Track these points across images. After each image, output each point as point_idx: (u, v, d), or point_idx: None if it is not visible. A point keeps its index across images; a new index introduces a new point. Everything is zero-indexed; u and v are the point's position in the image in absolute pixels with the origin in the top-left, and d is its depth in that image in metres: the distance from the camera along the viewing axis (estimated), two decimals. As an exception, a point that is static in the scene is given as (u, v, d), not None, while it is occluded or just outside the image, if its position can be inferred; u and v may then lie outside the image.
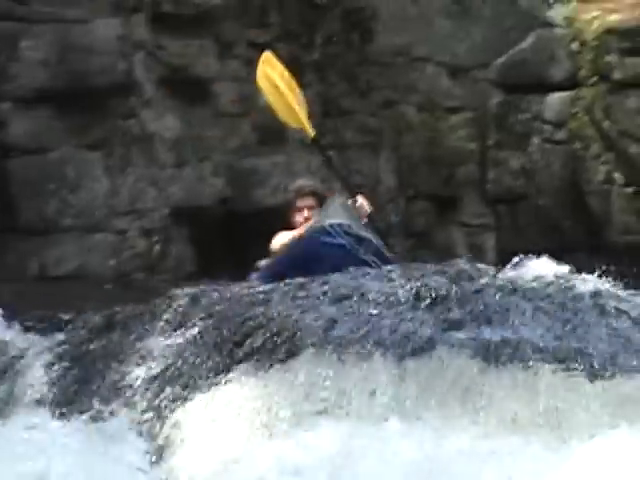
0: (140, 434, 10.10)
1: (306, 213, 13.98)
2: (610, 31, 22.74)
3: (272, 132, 20.50)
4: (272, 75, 13.75)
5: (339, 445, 9.43)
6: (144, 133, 19.14)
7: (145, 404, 10.31)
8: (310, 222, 13.98)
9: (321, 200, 14.22)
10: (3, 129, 17.35)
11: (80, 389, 10.54)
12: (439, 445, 9.24)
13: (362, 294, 11.53)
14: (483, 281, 12.00)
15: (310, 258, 13.55)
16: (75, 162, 18.42)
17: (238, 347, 10.97)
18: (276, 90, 13.77)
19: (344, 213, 14.20)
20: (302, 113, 13.69)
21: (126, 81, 18.83)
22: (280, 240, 14.04)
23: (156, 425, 10.09)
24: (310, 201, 14.03)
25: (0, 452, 9.97)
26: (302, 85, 19.65)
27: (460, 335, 10.59)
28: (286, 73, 13.98)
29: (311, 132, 14.01)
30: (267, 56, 14.06)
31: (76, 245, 17.55)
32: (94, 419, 10.08)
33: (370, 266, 13.05)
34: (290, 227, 14.42)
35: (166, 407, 10.30)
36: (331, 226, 13.40)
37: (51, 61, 17.96)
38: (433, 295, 11.33)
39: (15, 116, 17.57)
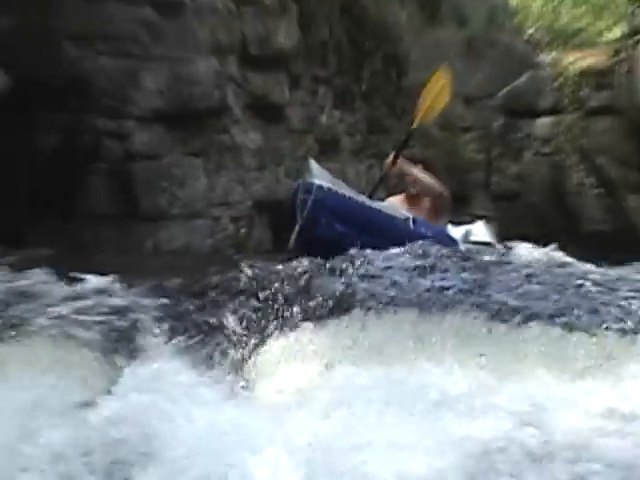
0: (232, 373, 8.55)
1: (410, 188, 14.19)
2: (584, 72, 24.77)
3: (329, 145, 22.32)
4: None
5: (381, 376, 8.27)
6: (234, 144, 19.86)
7: (237, 351, 8.86)
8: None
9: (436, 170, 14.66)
10: (128, 140, 17.70)
11: (187, 342, 8.81)
12: (454, 380, 8.61)
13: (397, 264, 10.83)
14: (488, 257, 11.72)
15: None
16: (182, 166, 18.74)
17: (303, 303, 10.02)
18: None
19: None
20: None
21: (220, 106, 19.34)
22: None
23: (244, 366, 8.70)
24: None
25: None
26: (353, 109, 24.11)
27: (471, 298, 9.61)
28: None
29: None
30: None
31: (182, 228, 18.13)
32: (201, 362, 8.52)
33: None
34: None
35: (252, 352, 8.90)
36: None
37: (164, 90, 18.20)
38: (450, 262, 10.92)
39: (137, 131, 17.79)
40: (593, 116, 23.73)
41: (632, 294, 9.68)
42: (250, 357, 8.92)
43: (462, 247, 13.40)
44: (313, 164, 11.93)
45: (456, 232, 15.62)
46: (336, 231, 11.77)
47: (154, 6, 17.96)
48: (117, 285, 10.18)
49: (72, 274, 10.37)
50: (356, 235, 11.20)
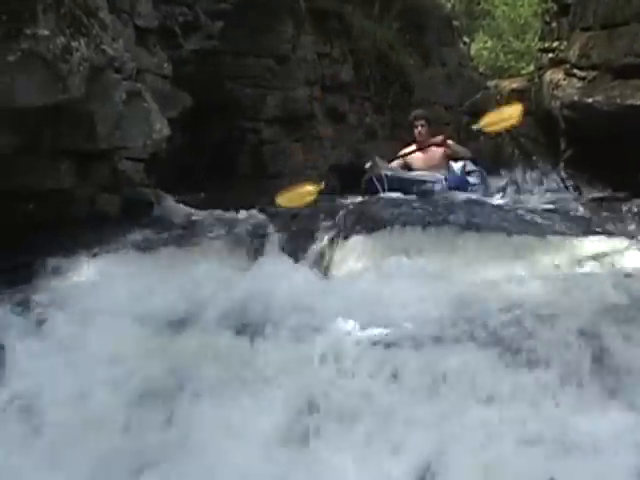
0: (316, 264, 9.95)
1: (419, 128, 13.86)
2: (512, 90, 21.78)
3: (371, 135, 21.16)
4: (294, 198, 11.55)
5: (409, 263, 9.69)
6: (318, 135, 19.49)
7: (319, 251, 10.25)
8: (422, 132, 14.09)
9: (429, 122, 14.12)
10: (260, 134, 17.72)
11: (291, 245, 10.36)
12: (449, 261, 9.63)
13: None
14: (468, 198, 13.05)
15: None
16: (289, 147, 18.57)
17: (361, 223, 10.90)
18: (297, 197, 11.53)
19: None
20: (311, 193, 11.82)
21: (311, 114, 19.09)
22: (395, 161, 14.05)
23: (323, 261, 10.05)
24: (422, 121, 13.89)
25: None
26: (384, 114, 22.08)
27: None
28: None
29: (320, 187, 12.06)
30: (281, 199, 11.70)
31: (290, 182, 14.11)
32: (299, 257, 10.08)
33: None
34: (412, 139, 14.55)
35: (328, 251, 10.25)
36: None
37: (278, 106, 18.05)
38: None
39: (265, 128, 17.78)
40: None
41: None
42: (327, 254, 10.15)
43: (468, 178, 13.91)
44: (378, 159, 12.45)
45: (458, 165, 15.19)
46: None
47: (273, 58, 17.67)
48: (256, 212, 11.99)
49: (231, 209, 12.10)
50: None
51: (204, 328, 7.68)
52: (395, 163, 13.44)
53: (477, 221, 10.90)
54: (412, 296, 8.32)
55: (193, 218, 11.87)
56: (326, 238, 10.68)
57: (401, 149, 13.66)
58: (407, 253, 9.84)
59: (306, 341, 7.38)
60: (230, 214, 11.97)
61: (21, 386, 6.66)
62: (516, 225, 10.95)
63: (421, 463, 5.99)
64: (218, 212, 12.03)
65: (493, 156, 20.55)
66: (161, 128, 11.64)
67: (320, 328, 7.59)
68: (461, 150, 13.61)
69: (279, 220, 11.50)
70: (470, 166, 15.17)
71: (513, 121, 12.09)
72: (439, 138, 13.72)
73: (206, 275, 8.78)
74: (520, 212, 11.81)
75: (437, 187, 12.47)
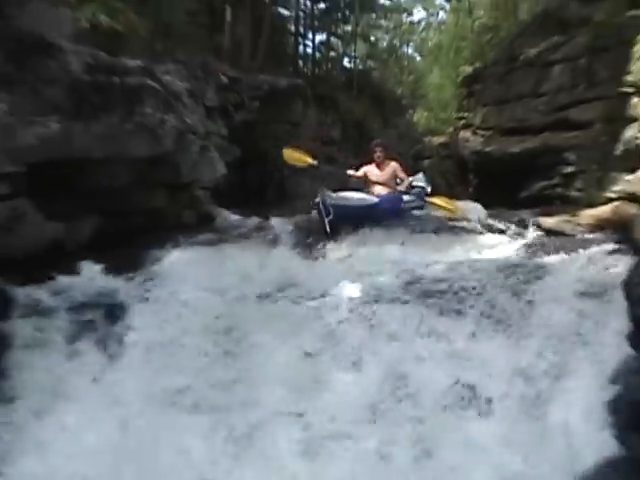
0: (316, 253, 9.80)
1: (377, 153, 11.07)
2: (440, 143, 21.36)
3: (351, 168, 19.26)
4: (293, 155, 10.93)
5: (376, 251, 9.63)
6: (320, 172, 17.16)
7: (318, 249, 9.97)
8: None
9: (386, 149, 11.26)
10: (282, 172, 15.84)
11: (300, 241, 10.01)
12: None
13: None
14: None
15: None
16: (301, 180, 16.15)
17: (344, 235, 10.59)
18: (293, 157, 10.91)
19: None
20: (310, 161, 10.87)
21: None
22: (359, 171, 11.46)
23: (319, 250, 9.83)
24: (380, 147, 11.10)
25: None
26: (359, 158, 20.41)
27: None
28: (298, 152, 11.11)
29: (314, 162, 10.97)
30: (286, 152, 11.08)
31: (302, 203, 14.65)
32: (307, 251, 9.62)
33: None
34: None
35: (324, 249, 10.02)
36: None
37: None
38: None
39: (285, 169, 15.20)
40: (444, 159, 20.49)
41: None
42: (323, 249, 9.75)
43: (407, 196, 11.25)
44: (325, 191, 9.93)
45: (405, 182, 11.95)
46: (341, 220, 9.80)
47: (290, 124, 16.85)
48: (278, 220, 11.45)
49: (264, 218, 11.60)
50: (352, 219, 9.86)
51: (250, 297, 7.73)
52: (359, 172, 11.20)
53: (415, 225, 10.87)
54: (377, 270, 8.55)
55: (240, 224, 11.70)
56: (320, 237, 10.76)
57: (363, 166, 11.19)
58: (374, 245, 9.80)
59: (314, 300, 7.68)
60: (263, 222, 11.70)
61: (139, 333, 6.73)
62: (441, 228, 11.03)
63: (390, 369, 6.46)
64: (256, 220, 11.81)
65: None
66: (220, 169, 11.70)
67: (323, 292, 7.86)
68: (402, 175, 11.08)
69: (293, 225, 11.17)
70: (418, 181, 12.39)
71: (451, 211, 10.54)
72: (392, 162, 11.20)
73: (250, 261, 8.67)
74: (443, 220, 11.56)
75: (371, 208, 10.12)
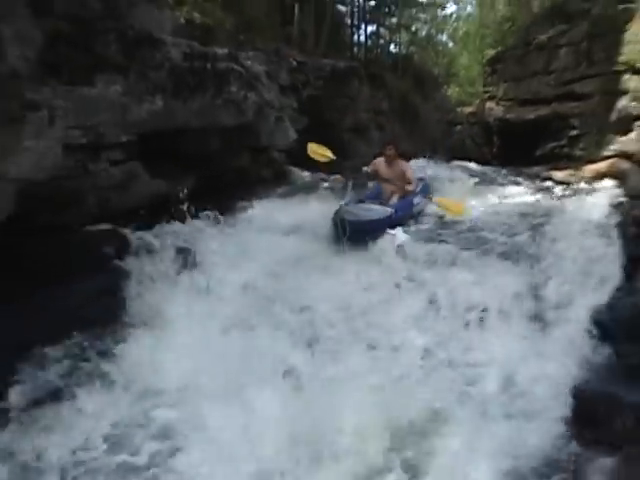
0: None
1: (388, 152, 8.89)
2: (469, 113, 21.16)
3: (398, 136, 17.82)
4: (317, 150, 8.64)
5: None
6: (372, 137, 17.21)
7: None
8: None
9: (396, 148, 9.07)
10: (343, 136, 15.09)
11: None
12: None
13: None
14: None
15: None
16: (358, 143, 15.95)
17: None
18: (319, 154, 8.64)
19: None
20: (330, 157, 8.64)
21: (368, 126, 17.38)
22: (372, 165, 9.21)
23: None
24: (390, 146, 8.97)
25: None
26: (405, 126, 19.48)
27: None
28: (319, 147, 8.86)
29: (333, 157, 8.80)
30: (310, 145, 8.95)
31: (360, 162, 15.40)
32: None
33: None
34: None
35: None
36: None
37: (352, 123, 16.29)
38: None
39: (345, 133, 15.61)
40: (473, 125, 19.75)
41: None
42: None
43: (417, 198, 9.09)
44: (344, 206, 7.81)
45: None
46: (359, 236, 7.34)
47: (348, 99, 16.29)
48: (338, 176, 11.54)
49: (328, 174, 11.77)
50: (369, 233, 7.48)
51: (319, 237, 7.63)
52: (371, 167, 9.12)
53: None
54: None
55: (309, 180, 11.79)
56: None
57: (378, 156, 9.27)
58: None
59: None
60: (327, 177, 11.76)
61: (205, 272, 6.59)
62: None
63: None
64: (322, 175, 11.81)
65: (460, 146, 19.81)
66: (292, 135, 11.55)
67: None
68: (410, 174, 8.90)
69: (351, 180, 11.09)
70: (420, 173, 10.72)
71: (458, 213, 8.18)
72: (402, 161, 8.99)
73: (317, 209, 8.57)
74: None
75: (388, 219, 8.02)
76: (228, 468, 4.09)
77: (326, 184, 11.50)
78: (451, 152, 19.23)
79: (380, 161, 9.19)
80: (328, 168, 12.24)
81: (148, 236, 6.68)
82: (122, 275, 5.98)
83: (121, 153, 7.12)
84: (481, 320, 5.87)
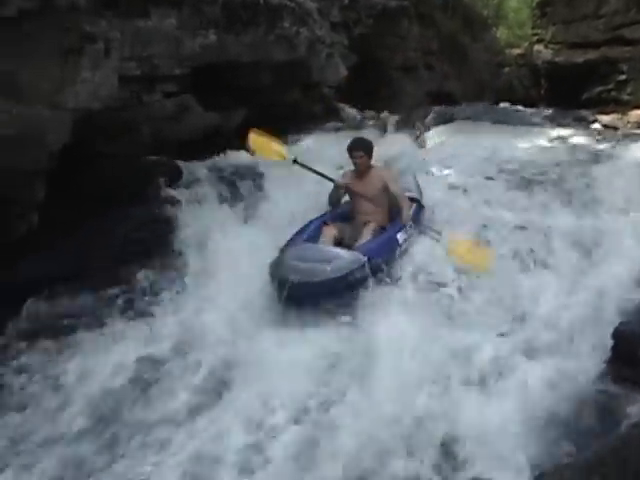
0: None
1: (357, 159, 5.77)
2: (517, 54, 20.47)
3: (447, 76, 17.49)
4: (258, 139, 5.94)
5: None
6: (421, 76, 16.42)
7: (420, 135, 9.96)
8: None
9: (369, 152, 5.85)
10: (392, 74, 14.64)
11: None
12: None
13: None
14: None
15: None
16: (406, 80, 15.22)
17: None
18: (262, 145, 5.98)
19: None
20: (281, 153, 5.98)
21: (416, 65, 16.43)
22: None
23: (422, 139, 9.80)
24: (360, 152, 5.76)
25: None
26: (454, 66, 18.32)
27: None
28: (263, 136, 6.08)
29: (290, 157, 5.96)
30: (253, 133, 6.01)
31: (407, 101, 14.28)
32: None
33: None
34: None
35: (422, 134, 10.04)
36: None
37: (401, 61, 15.42)
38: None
39: (394, 71, 14.98)
40: (521, 67, 19.32)
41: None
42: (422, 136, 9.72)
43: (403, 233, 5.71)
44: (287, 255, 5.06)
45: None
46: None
47: (398, 37, 15.54)
48: (387, 114, 11.33)
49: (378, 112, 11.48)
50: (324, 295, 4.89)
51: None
52: (341, 180, 6.00)
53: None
54: (468, 152, 8.30)
55: (358, 116, 11.45)
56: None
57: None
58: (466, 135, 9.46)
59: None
60: (375, 114, 11.45)
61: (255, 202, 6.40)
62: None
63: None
64: (370, 113, 11.52)
65: (507, 88, 19.20)
66: (342, 71, 11.12)
67: (426, 170, 7.65)
68: (395, 187, 5.91)
69: (398, 117, 10.89)
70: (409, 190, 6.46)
71: (482, 268, 5.23)
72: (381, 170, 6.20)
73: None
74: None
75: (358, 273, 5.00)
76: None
77: (373, 122, 11.06)
78: (498, 94, 18.59)
79: (351, 175, 6.04)
80: (377, 106, 12.03)
81: (199, 167, 6.58)
82: (173, 204, 5.91)
83: (175, 85, 7.00)
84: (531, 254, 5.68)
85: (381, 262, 5.13)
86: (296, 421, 3.69)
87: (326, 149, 8.03)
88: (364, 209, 5.82)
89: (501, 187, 7.16)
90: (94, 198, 5.35)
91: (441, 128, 10.33)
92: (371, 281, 4.89)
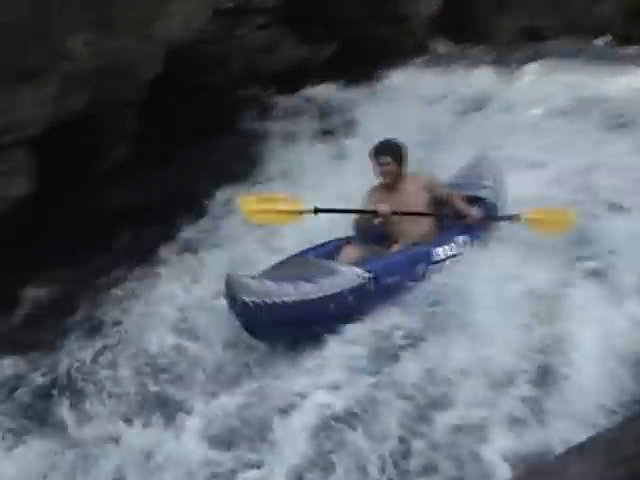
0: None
1: (384, 167, 3.97)
2: None
3: None
4: (255, 207, 3.93)
5: None
6: None
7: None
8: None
9: (400, 158, 4.07)
10: None
11: None
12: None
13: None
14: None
15: None
16: None
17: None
18: (266, 213, 3.95)
19: None
20: (294, 211, 3.92)
21: None
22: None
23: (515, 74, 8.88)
24: (387, 158, 4.00)
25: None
26: None
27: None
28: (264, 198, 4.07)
29: (311, 210, 3.88)
30: (242, 199, 4.02)
31: None
32: None
33: None
34: None
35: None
36: None
37: None
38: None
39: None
40: None
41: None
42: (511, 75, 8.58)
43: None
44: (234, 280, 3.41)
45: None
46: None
47: None
48: None
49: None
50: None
51: (457, 108, 6.96)
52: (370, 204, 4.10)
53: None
54: (554, 91, 7.59)
55: (448, 50, 10.60)
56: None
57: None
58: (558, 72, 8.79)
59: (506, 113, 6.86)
60: (469, 47, 10.66)
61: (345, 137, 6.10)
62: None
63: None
64: (463, 48, 10.55)
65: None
66: (434, 4, 10.25)
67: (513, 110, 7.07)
68: (442, 189, 4.22)
69: (492, 54, 9.91)
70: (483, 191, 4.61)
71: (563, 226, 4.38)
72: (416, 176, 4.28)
73: (456, 81, 7.79)
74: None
75: (353, 295, 3.55)
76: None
77: (467, 57, 10.06)
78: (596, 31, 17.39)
79: (375, 189, 4.30)
80: (470, 39, 11.42)
81: (290, 100, 6.53)
82: (263, 135, 5.88)
83: (267, 17, 7.00)
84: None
85: (393, 282, 3.80)
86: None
87: (415, 86, 7.65)
88: (402, 228, 4.21)
89: (588, 128, 6.42)
90: (184, 131, 5.32)
91: (532, 66, 9.82)
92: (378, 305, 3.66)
